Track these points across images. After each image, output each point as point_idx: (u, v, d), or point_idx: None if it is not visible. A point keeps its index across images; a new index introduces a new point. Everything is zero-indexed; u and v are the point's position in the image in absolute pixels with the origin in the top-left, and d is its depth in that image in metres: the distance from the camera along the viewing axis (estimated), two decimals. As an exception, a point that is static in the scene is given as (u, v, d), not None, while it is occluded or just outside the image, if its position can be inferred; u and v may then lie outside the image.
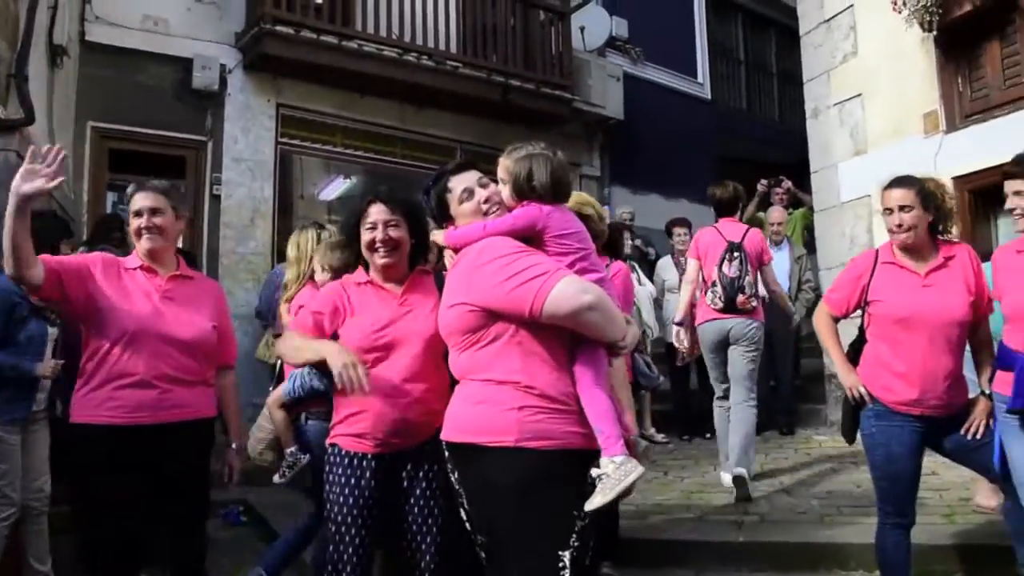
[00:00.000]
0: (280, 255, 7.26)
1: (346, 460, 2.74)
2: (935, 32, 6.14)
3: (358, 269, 2.94)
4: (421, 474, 2.78)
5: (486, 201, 2.44)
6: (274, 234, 7.86)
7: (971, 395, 3.37)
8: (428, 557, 2.75)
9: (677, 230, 7.33)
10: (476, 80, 8.86)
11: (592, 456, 2.20)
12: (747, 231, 5.46)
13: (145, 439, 2.92)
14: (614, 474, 2.15)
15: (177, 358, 3.03)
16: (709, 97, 12.67)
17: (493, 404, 2.20)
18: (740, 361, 5.26)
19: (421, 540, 2.76)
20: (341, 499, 2.72)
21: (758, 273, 5.41)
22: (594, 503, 2.15)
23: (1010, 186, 3.16)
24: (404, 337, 2.73)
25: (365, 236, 2.80)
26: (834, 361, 3.53)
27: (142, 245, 3.10)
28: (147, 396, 2.94)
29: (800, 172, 8.01)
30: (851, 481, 5.12)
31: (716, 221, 5.66)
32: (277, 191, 8.02)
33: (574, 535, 2.15)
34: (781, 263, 6.86)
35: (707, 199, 5.84)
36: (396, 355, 2.72)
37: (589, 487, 2.17)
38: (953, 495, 4.70)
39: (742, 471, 4.97)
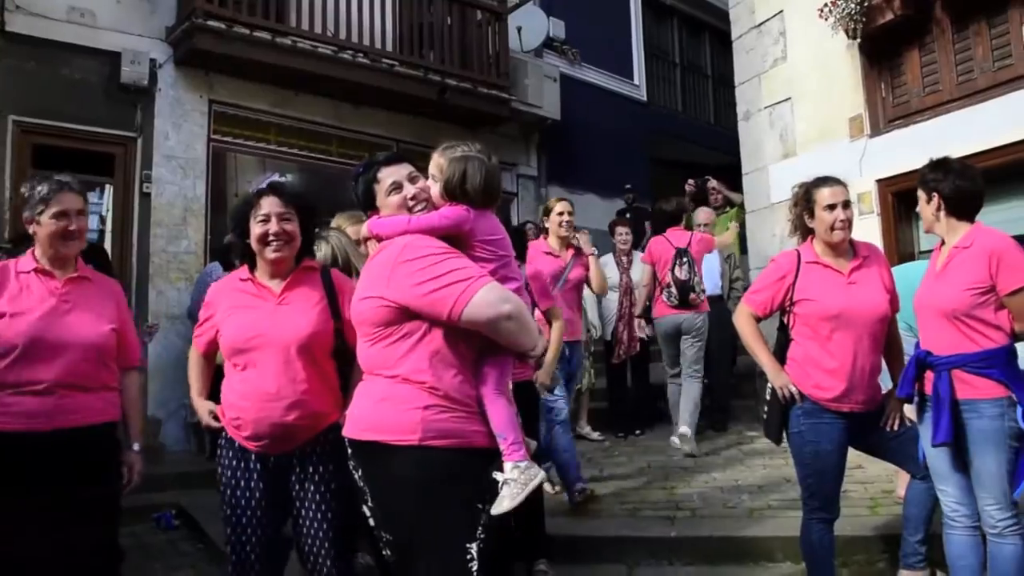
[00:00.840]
0: (213, 254, 7.14)
1: (237, 454, 2.77)
2: (859, 40, 6.34)
3: (242, 267, 2.92)
4: (316, 476, 2.75)
5: (413, 198, 2.43)
6: (207, 233, 7.68)
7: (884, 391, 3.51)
8: (323, 560, 2.73)
9: (619, 229, 7.45)
10: (412, 79, 8.81)
11: (493, 454, 2.25)
12: (691, 237, 6.61)
13: (41, 447, 2.82)
14: (520, 479, 2.21)
15: (77, 363, 2.93)
16: (645, 99, 12.84)
17: (398, 402, 2.20)
18: (690, 348, 6.45)
19: (317, 544, 2.74)
20: (229, 492, 2.77)
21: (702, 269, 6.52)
22: (503, 507, 2.19)
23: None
24: (278, 338, 2.73)
25: (257, 229, 2.77)
26: (762, 362, 3.54)
27: (63, 248, 3.00)
28: (45, 403, 2.85)
29: (733, 174, 8.16)
30: (781, 476, 5.25)
31: (663, 231, 6.73)
32: (210, 189, 7.85)
33: (479, 528, 2.19)
34: (711, 262, 7.02)
35: (641, 198, 6.39)
36: (269, 356, 2.71)
37: (492, 484, 2.23)
38: (877, 488, 4.87)
39: (687, 429, 6.17)
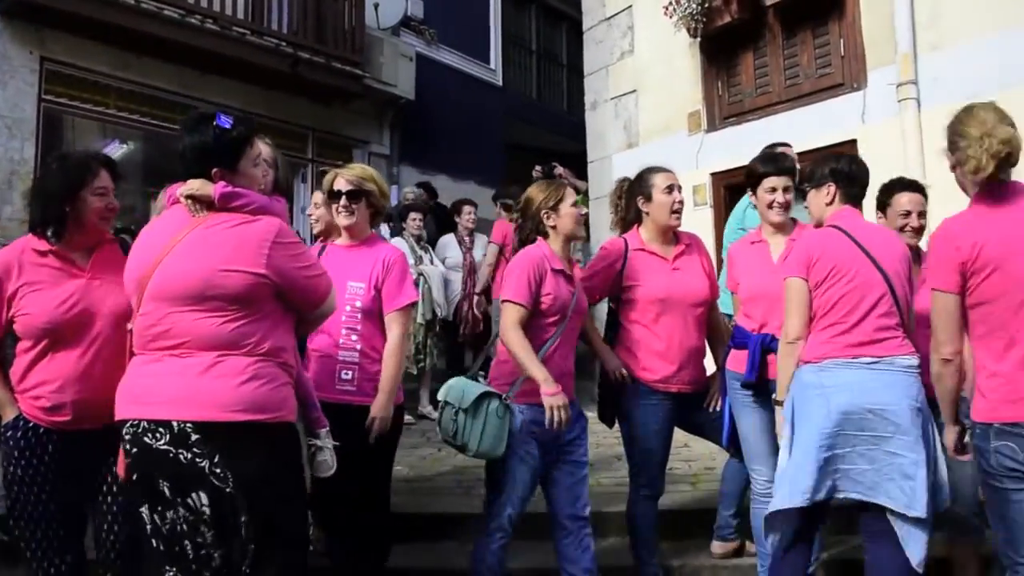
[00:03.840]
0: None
1: (28, 431, 2.64)
2: (699, 39, 6.65)
3: (31, 237, 2.74)
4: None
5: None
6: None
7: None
8: (116, 537, 2.70)
9: (466, 208, 7.47)
10: (264, 49, 8.48)
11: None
12: None
13: None
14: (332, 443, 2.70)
15: None
16: (500, 83, 12.93)
17: (265, 380, 2.20)
18: None
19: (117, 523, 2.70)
20: (20, 471, 2.62)
21: None
22: (332, 467, 2.68)
23: (768, 183, 3.46)
24: (96, 313, 2.66)
25: (96, 203, 2.70)
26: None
27: None
28: None
29: (584, 161, 8.38)
30: (612, 455, 5.43)
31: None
32: (40, 152, 7.26)
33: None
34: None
35: (493, 182, 6.43)
36: (86, 333, 2.64)
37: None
38: (700, 465, 5.15)
39: None
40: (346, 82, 9.35)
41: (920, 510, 2.69)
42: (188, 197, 2.30)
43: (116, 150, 8.40)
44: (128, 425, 2.18)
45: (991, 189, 2.52)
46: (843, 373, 2.85)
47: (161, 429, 2.12)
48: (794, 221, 3.55)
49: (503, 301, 3.14)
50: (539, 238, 3.28)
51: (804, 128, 6.02)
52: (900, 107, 5.49)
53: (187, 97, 8.30)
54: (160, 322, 2.19)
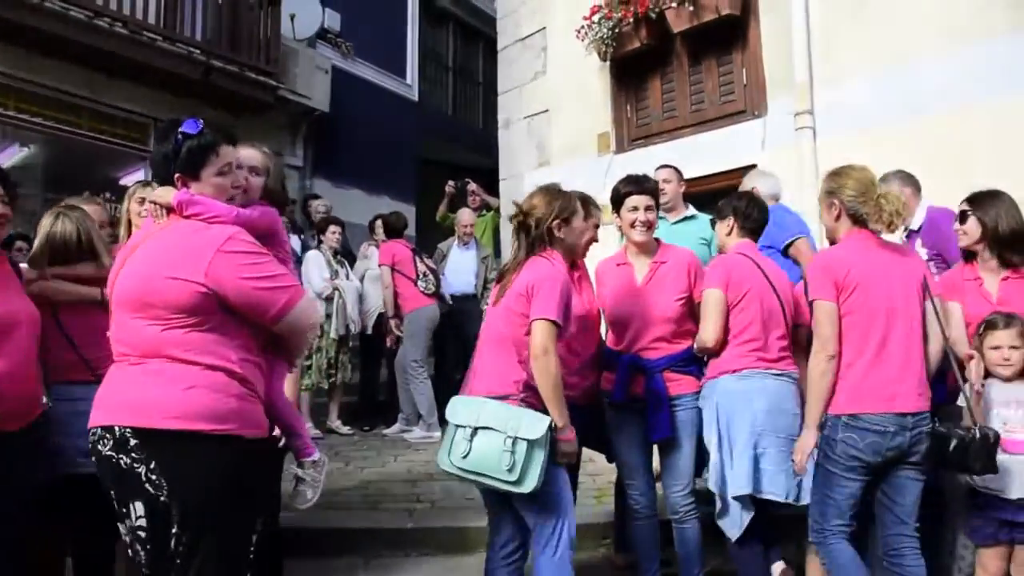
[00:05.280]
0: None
1: None
2: (610, 62, 6.82)
3: None
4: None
5: (236, 186, 2.44)
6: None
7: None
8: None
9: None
10: (175, 55, 8.26)
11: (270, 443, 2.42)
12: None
13: None
14: (318, 472, 2.60)
15: None
16: (416, 99, 12.93)
17: (212, 390, 2.15)
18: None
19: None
20: None
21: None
22: (310, 500, 2.62)
23: (630, 202, 3.55)
24: (16, 319, 2.63)
25: None
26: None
27: None
28: None
29: (497, 178, 8.47)
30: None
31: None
32: (-70, 157, 6.93)
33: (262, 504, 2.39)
34: (468, 263, 7.26)
35: (407, 197, 6.39)
36: (9, 338, 2.59)
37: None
38: (604, 479, 5.21)
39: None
40: (260, 92, 9.20)
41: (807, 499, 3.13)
42: (151, 202, 2.32)
43: (12, 155, 8.06)
44: (90, 433, 2.21)
45: (856, 234, 3.05)
46: (762, 382, 3.30)
47: (107, 435, 2.14)
48: (657, 241, 3.67)
49: (537, 319, 2.79)
50: (551, 250, 2.99)
51: (708, 152, 6.25)
52: (797, 135, 5.75)
53: (93, 101, 8.04)
54: (120, 330, 2.22)
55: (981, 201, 3.27)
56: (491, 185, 8.72)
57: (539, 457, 2.69)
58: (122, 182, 8.36)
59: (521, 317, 2.84)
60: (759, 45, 6.11)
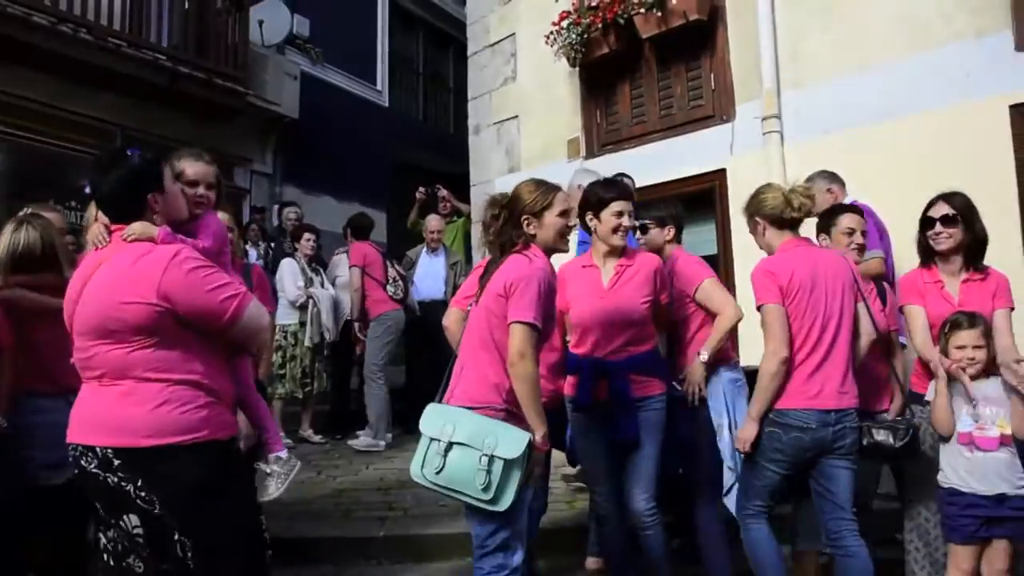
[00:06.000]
0: None
1: None
2: (579, 68, 6.84)
3: None
4: None
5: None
6: None
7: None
8: None
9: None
10: (141, 62, 8.12)
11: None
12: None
13: None
14: (283, 468, 2.64)
15: None
16: (387, 104, 12.89)
17: (181, 403, 2.24)
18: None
19: None
20: None
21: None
22: (272, 494, 2.63)
23: (615, 207, 3.51)
24: None
25: None
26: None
27: None
28: None
29: (468, 183, 8.43)
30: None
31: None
32: None
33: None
34: (437, 269, 7.26)
35: (379, 203, 6.40)
36: None
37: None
38: (575, 484, 5.23)
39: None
40: (228, 99, 9.10)
41: None
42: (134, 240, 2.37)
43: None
44: (71, 447, 2.28)
45: (791, 242, 3.29)
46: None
47: (90, 454, 2.23)
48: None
49: (513, 323, 2.68)
50: (533, 246, 2.87)
51: (677, 157, 6.29)
52: (765, 139, 5.80)
53: (56, 108, 7.84)
54: (85, 353, 2.29)
55: (968, 210, 3.41)
56: (462, 191, 8.71)
57: (516, 476, 2.60)
58: (87, 190, 8.19)
59: (501, 319, 2.72)
60: (727, 50, 6.16)
